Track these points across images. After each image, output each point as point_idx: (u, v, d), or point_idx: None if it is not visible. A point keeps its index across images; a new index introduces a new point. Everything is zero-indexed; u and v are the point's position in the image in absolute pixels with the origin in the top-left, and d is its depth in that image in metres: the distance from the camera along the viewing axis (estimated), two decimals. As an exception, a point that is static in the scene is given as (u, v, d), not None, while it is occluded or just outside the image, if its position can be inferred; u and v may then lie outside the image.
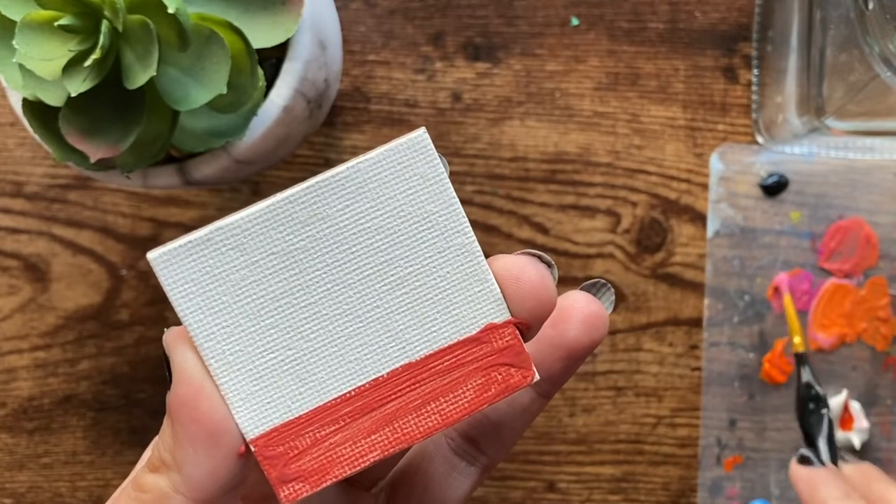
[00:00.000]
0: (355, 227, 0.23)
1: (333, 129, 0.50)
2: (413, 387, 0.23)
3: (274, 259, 0.23)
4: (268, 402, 0.23)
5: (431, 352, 0.24)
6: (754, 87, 0.50)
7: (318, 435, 0.23)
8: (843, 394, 0.49)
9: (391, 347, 0.23)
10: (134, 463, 0.50)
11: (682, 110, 0.50)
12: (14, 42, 0.32)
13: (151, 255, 0.22)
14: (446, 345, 0.24)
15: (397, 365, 0.23)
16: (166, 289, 0.22)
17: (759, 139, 0.50)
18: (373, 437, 0.23)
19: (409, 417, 0.23)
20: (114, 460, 0.51)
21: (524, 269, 0.24)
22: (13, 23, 0.33)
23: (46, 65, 0.33)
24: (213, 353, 0.23)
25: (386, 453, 0.23)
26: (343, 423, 0.23)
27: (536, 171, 0.50)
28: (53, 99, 0.34)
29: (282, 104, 0.38)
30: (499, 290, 0.24)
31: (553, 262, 0.24)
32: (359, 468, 0.23)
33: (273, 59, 0.39)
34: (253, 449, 0.23)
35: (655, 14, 0.50)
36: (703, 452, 0.50)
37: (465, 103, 0.50)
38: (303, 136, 0.43)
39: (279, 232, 0.23)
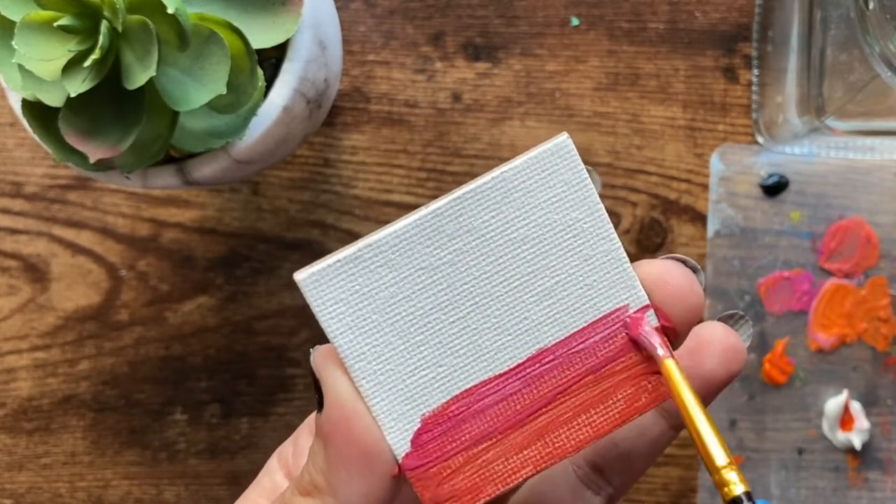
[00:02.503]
0: (501, 238, 0.22)
1: (333, 129, 0.50)
2: (563, 399, 0.23)
3: (422, 274, 0.22)
4: (419, 421, 0.22)
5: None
6: (754, 88, 0.50)
7: (470, 452, 0.22)
8: (844, 394, 0.49)
9: None
10: (133, 462, 0.50)
11: (682, 110, 0.50)
12: (14, 42, 0.32)
13: (299, 276, 0.22)
14: None
15: None
16: (315, 309, 0.22)
17: (760, 139, 0.50)
18: (525, 452, 0.22)
19: (561, 431, 0.22)
20: (113, 461, 0.51)
21: (672, 273, 0.23)
22: (13, 23, 0.33)
23: (46, 65, 0.33)
24: (363, 374, 0.22)
25: (538, 469, 0.22)
26: (495, 439, 0.22)
27: (536, 171, 0.50)
28: (53, 99, 0.34)
29: (281, 104, 0.38)
30: (646, 297, 0.23)
31: (699, 267, 0.24)
32: (511, 485, 0.22)
33: (273, 59, 0.39)
34: (405, 471, 0.22)
35: (655, 14, 0.50)
36: (704, 453, 0.50)
37: (465, 103, 0.50)
38: (303, 137, 0.43)
39: (426, 246, 0.22)
